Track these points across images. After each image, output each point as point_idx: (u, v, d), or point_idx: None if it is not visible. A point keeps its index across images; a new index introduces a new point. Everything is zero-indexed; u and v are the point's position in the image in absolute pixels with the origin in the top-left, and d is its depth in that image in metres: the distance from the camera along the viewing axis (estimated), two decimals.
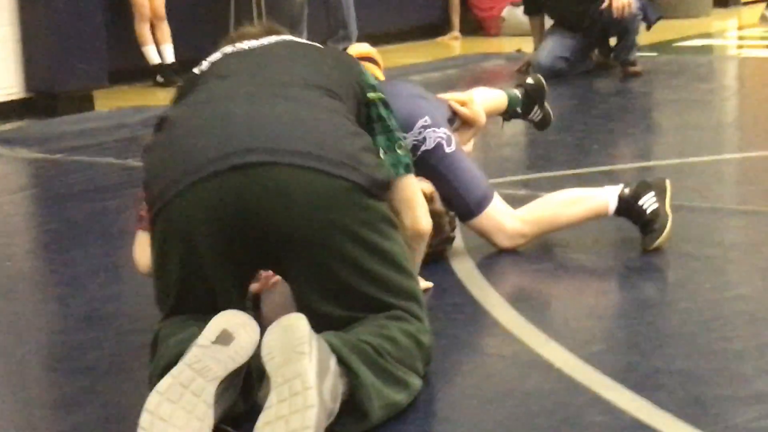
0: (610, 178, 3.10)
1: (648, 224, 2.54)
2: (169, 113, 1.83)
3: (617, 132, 4.53)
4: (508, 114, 3.01)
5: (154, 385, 1.57)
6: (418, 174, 2.51)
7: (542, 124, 3.10)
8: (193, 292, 1.71)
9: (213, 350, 1.54)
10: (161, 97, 5.14)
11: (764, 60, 6.43)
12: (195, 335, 1.58)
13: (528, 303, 2.38)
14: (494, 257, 2.68)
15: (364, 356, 1.57)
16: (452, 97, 2.72)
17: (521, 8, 6.00)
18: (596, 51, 5.54)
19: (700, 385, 1.78)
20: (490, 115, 2.91)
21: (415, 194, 2.06)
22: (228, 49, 1.96)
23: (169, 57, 5.58)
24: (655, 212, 2.55)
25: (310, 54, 2.03)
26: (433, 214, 2.33)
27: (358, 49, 2.87)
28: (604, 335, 2.18)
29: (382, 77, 2.63)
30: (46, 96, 5.17)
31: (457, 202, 2.58)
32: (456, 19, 7.03)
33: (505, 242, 2.54)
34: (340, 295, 1.70)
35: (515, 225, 2.57)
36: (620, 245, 2.75)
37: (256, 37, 2.08)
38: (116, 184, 3.85)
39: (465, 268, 2.60)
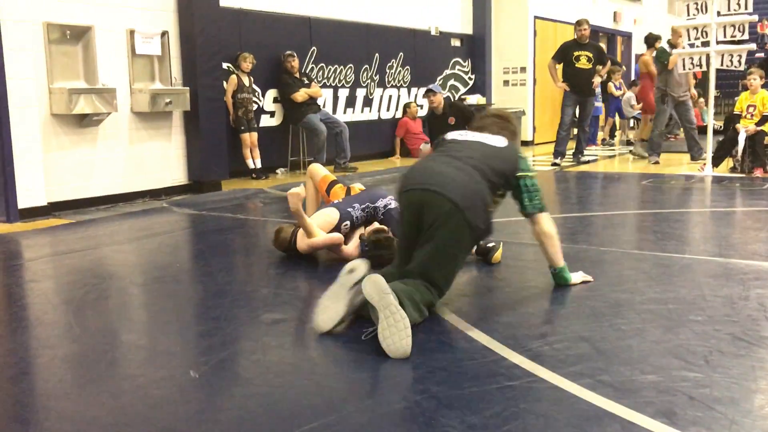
0: None
1: (489, 251, 3.94)
2: (418, 162, 3.29)
3: None
4: None
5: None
6: (382, 221, 4.10)
7: None
8: (412, 234, 3.01)
9: (345, 276, 2.86)
10: (254, 184, 7.74)
11: (544, 171, 8.98)
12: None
13: None
14: None
15: (408, 296, 2.78)
16: None
17: (429, 145, 9.16)
18: None
19: (527, 338, 2.77)
20: None
21: (545, 219, 3.27)
22: (460, 134, 3.38)
23: (258, 164, 8.28)
24: (493, 247, 3.95)
25: (488, 151, 3.22)
26: (390, 239, 3.82)
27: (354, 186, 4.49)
28: (485, 308, 3.25)
29: (343, 191, 4.39)
30: (197, 182, 7.47)
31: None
32: (397, 149, 10.90)
33: None
34: (421, 256, 2.94)
35: None
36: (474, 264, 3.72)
37: (480, 129, 3.44)
38: (231, 227, 5.44)
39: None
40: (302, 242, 4.09)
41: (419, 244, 2.99)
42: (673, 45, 9.15)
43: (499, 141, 3.34)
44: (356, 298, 2.81)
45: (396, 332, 2.54)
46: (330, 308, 2.77)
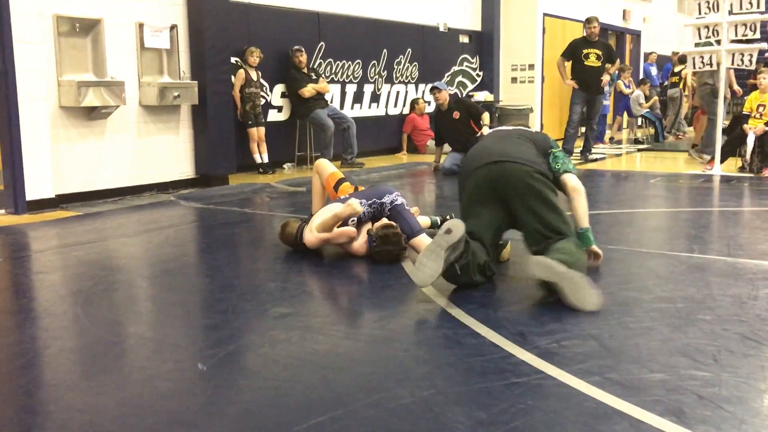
0: None
1: (497, 249, 3.85)
2: (474, 147, 3.78)
3: None
4: (431, 228, 4.58)
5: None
6: (389, 217, 4.08)
7: None
8: (473, 208, 3.46)
9: (443, 237, 3.10)
10: (260, 179, 7.76)
11: None
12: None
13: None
14: None
15: (566, 259, 3.08)
16: (414, 209, 4.43)
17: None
18: None
19: (527, 324, 3.04)
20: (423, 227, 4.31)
21: (575, 177, 3.67)
22: (497, 129, 4.00)
23: (265, 159, 8.32)
24: (501, 244, 3.91)
25: (526, 132, 3.83)
26: (398, 234, 3.91)
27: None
28: (492, 305, 3.22)
29: (350, 189, 4.41)
30: (205, 176, 7.50)
31: (407, 230, 4.04)
32: (404, 145, 10.86)
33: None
34: (533, 218, 3.35)
35: None
36: None
37: (511, 125, 4.06)
38: (238, 221, 5.47)
39: (409, 264, 3.90)
40: (310, 236, 4.07)
41: (521, 216, 3.37)
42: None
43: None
44: (451, 256, 3.11)
45: (584, 289, 2.98)
46: (428, 266, 3.08)
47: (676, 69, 13.87)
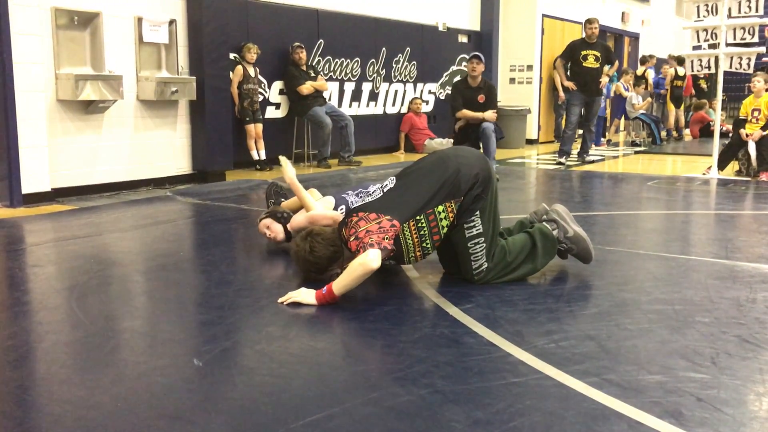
0: None
1: None
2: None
3: None
4: None
5: None
6: None
7: None
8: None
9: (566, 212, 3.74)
10: (257, 175, 7.74)
11: (548, 170, 9.11)
12: None
13: (423, 273, 3.61)
14: None
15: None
16: None
17: (435, 140, 9.86)
18: None
19: (522, 324, 3.08)
20: None
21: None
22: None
23: (263, 156, 8.34)
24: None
25: None
26: None
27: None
28: (489, 305, 3.22)
29: (316, 198, 4.32)
30: (202, 172, 7.52)
31: None
32: (401, 144, 10.68)
33: None
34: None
35: None
36: None
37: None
38: (234, 217, 5.52)
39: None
40: (298, 219, 4.06)
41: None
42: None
43: None
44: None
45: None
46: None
47: (681, 72, 13.93)
